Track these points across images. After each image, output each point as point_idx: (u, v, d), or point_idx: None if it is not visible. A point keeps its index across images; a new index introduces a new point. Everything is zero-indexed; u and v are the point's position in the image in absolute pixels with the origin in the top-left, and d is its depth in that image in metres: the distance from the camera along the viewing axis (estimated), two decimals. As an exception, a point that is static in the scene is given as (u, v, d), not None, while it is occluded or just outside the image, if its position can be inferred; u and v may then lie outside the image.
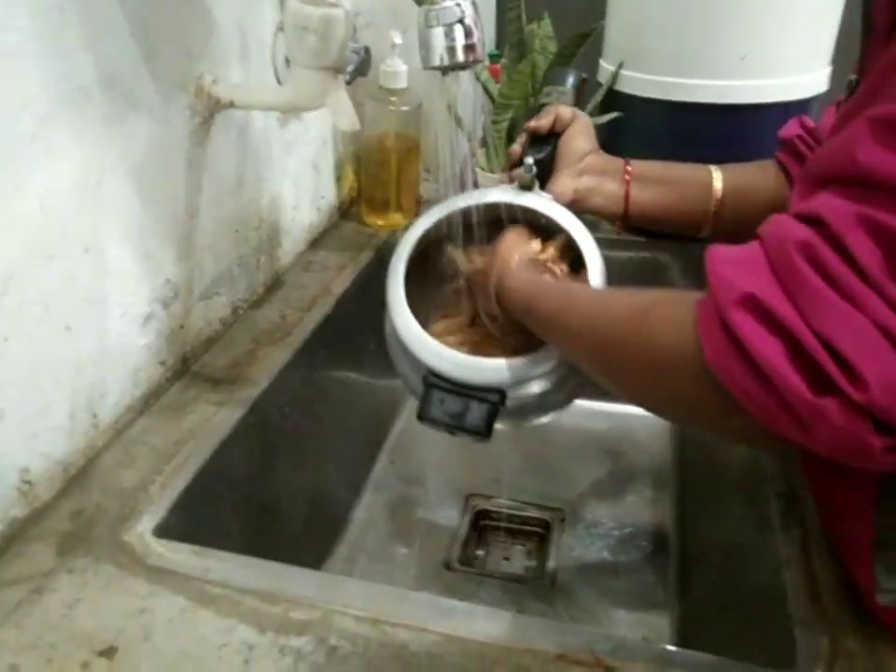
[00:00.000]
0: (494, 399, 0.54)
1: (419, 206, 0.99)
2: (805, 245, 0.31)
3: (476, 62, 0.55)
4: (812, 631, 0.45)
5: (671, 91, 0.85)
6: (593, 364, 0.46)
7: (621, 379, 0.43)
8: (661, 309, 0.39)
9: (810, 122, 0.62)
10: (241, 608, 0.44)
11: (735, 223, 0.64)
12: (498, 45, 1.21)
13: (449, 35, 0.54)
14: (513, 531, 0.83)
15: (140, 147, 0.56)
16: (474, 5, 0.54)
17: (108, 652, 0.41)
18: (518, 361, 0.55)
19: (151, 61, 0.55)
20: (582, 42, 0.82)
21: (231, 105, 0.62)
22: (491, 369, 0.54)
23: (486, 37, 1.12)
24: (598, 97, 0.92)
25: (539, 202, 0.62)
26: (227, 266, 0.71)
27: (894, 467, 0.31)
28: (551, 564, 0.77)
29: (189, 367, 0.66)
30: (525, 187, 0.62)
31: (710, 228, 0.65)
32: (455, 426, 0.54)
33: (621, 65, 0.90)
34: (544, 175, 0.64)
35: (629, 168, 0.66)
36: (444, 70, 0.55)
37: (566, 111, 0.67)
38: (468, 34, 0.54)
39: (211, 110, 0.62)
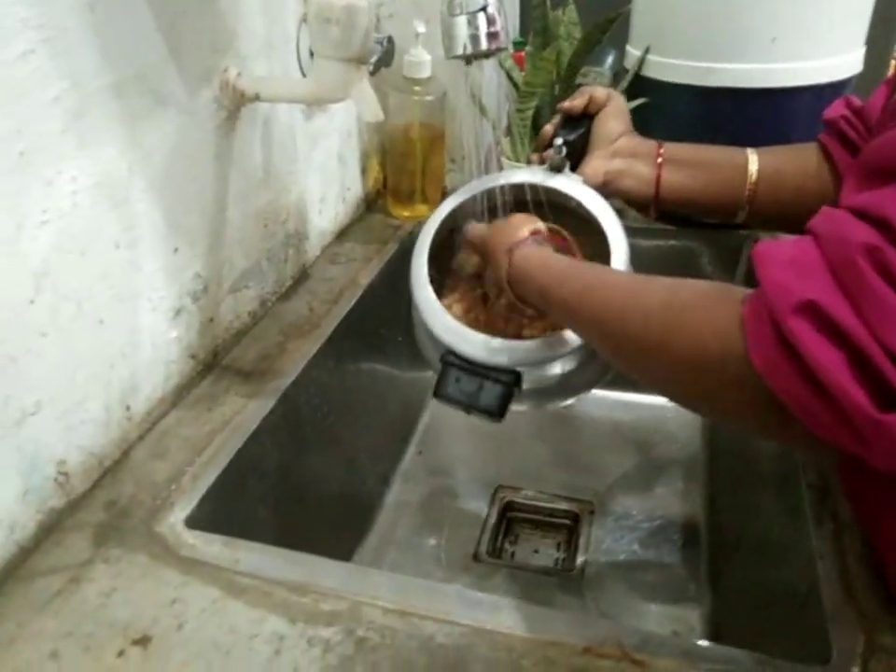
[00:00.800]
0: (508, 380, 0.53)
1: (445, 197, 0.99)
2: (872, 248, 0.29)
3: (500, 49, 0.55)
4: (847, 626, 0.44)
5: (699, 75, 0.83)
6: (620, 357, 0.44)
7: (651, 376, 0.42)
8: (702, 307, 0.37)
9: (856, 102, 0.60)
10: (271, 598, 0.45)
11: (772, 208, 0.62)
12: (523, 32, 1.20)
13: (472, 23, 0.53)
14: (542, 523, 0.83)
15: (168, 141, 0.57)
16: (498, -8, 0.53)
17: (143, 641, 0.42)
18: (535, 343, 0.54)
19: (177, 55, 0.56)
20: (608, 27, 0.81)
21: (257, 98, 0.62)
22: (507, 349, 0.54)
23: (510, 25, 1.11)
24: (625, 83, 0.91)
25: (569, 183, 0.61)
26: (255, 259, 0.72)
27: None
28: (580, 556, 0.77)
29: (219, 360, 0.67)
30: (555, 168, 0.62)
31: (745, 212, 0.64)
32: (469, 404, 0.54)
33: (647, 50, 0.88)
34: (577, 158, 0.64)
35: (661, 151, 0.65)
36: (468, 59, 0.55)
37: (600, 92, 0.66)
38: (491, 21, 0.53)
39: (236, 104, 0.63)
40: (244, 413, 0.61)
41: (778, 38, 0.78)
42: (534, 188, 0.62)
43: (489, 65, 0.58)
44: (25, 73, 0.43)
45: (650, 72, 0.89)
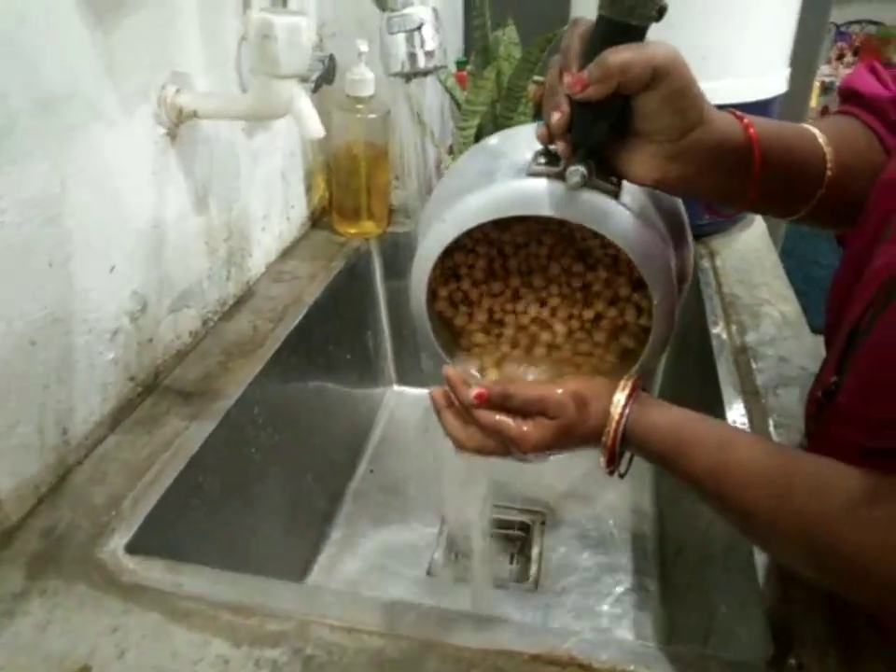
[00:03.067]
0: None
1: (391, 214, 0.99)
2: None
3: (438, 67, 0.56)
4: (784, 620, 0.45)
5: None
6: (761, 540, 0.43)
7: (795, 560, 0.41)
8: (863, 520, 0.36)
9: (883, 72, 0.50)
10: (215, 622, 0.44)
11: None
12: (466, 52, 1.22)
13: (410, 41, 0.54)
14: (495, 535, 0.83)
15: (103, 157, 0.56)
16: (435, 11, 0.54)
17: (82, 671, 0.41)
18: None
19: (112, 71, 0.55)
20: (546, 47, 0.83)
21: (195, 115, 0.62)
22: None
23: (452, 43, 1.13)
24: (565, 101, 0.93)
25: (594, 207, 0.41)
26: (196, 278, 0.71)
27: None
28: (533, 567, 0.78)
29: (159, 381, 0.66)
30: (584, 184, 0.41)
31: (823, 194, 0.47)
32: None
33: (585, 70, 0.91)
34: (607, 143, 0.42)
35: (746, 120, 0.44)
36: (407, 76, 0.56)
37: (655, 55, 0.39)
38: (428, 40, 0.54)
39: (175, 121, 0.62)
40: (185, 434, 0.59)
41: (708, 57, 0.81)
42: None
43: (431, 84, 0.58)
44: (-51, 88, 0.42)
45: (587, 90, 0.92)
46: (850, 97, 0.51)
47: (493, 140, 0.52)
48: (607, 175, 0.42)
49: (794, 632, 0.44)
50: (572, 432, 0.43)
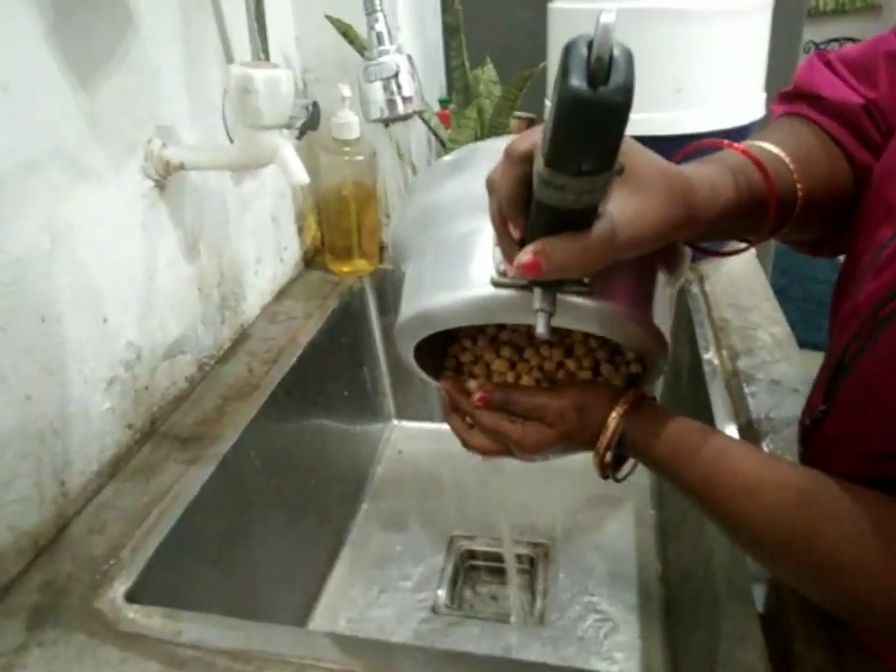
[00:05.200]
0: None
1: (382, 251, 1.01)
2: None
3: (416, 112, 0.58)
4: (784, 652, 0.45)
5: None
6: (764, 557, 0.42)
7: (784, 572, 0.41)
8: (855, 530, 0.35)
9: (867, 90, 0.46)
10: (213, 669, 0.44)
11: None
12: (449, 91, 1.25)
13: (387, 88, 0.56)
14: (499, 570, 0.83)
15: (92, 213, 0.57)
16: (409, 59, 0.56)
17: (80, 725, 0.41)
18: None
19: (97, 129, 0.57)
20: (524, 84, 0.85)
21: (182, 167, 0.63)
22: None
23: (433, 81, 1.15)
24: (547, 134, 0.95)
25: (568, 308, 0.39)
26: (190, 324, 0.72)
27: None
28: (538, 602, 0.77)
29: (156, 428, 0.66)
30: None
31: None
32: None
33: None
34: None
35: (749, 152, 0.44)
36: (386, 122, 0.58)
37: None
38: (405, 86, 0.56)
39: (162, 173, 0.64)
40: (183, 480, 0.60)
41: (682, 88, 0.83)
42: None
43: (413, 125, 0.60)
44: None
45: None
46: (809, 98, 0.48)
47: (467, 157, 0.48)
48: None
49: (795, 661, 0.44)
50: (572, 438, 0.44)
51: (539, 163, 0.32)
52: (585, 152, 0.30)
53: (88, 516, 0.57)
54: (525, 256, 0.34)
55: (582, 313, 0.39)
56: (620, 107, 0.29)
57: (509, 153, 0.34)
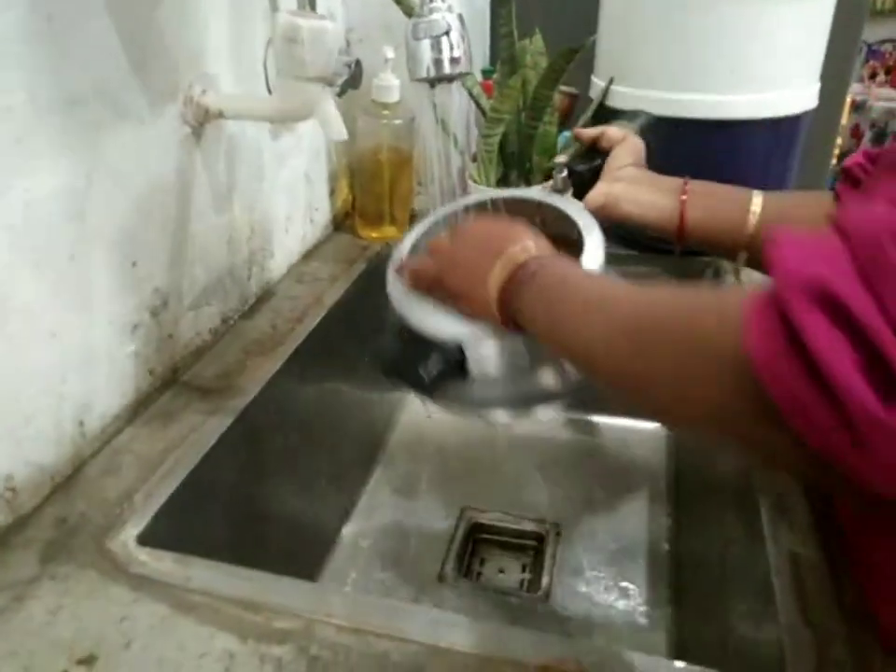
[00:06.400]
0: (452, 354, 0.53)
1: (413, 219, 1.00)
2: None
3: (462, 74, 0.56)
4: (800, 640, 0.44)
5: (661, 106, 0.85)
6: (614, 356, 0.39)
7: (644, 377, 0.37)
8: (711, 294, 0.35)
9: (874, 152, 0.59)
10: (222, 616, 0.44)
11: None
12: (493, 61, 1.22)
13: (436, 47, 0.54)
14: (508, 544, 0.82)
15: (129, 155, 0.56)
16: (461, 18, 0.55)
17: (88, 660, 0.41)
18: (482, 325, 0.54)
19: (140, 70, 0.56)
20: (572, 58, 0.83)
21: (221, 115, 0.62)
22: (452, 321, 0.54)
23: (476, 50, 1.13)
24: (589, 113, 0.93)
25: (564, 201, 0.62)
26: (218, 276, 0.71)
27: None
28: (545, 577, 0.77)
29: (178, 377, 0.66)
30: (557, 190, 0.66)
31: (745, 256, 0.64)
32: (405, 375, 0.53)
33: (611, 81, 0.91)
34: (586, 190, 0.67)
35: (687, 187, 0.66)
36: (432, 82, 0.56)
37: (615, 131, 0.69)
38: (454, 46, 0.54)
39: (200, 120, 0.63)
40: (201, 430, 0.60)
41: (735, 70, 0.80)
42: (523, 204, 0.63)
43: (456, 91, 0.59)
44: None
45: (613, 102, 0.92)
46: None
47: None
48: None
49: (811, 653, 0.43)
50: (491, 240, 0.51)
51: None
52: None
53: (104, 458, 0.57)
54: None
55: None
56: None
57: None
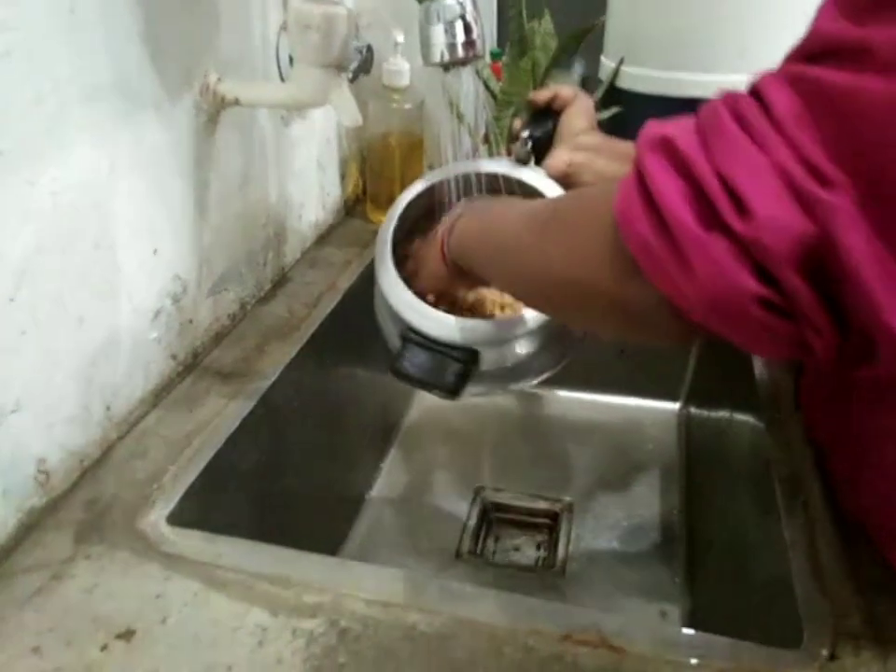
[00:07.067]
0: (466, 358, 0.54)
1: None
2: (732, 97, 0.32)
3: (476, 58, 0.56)
4: (817, 613, 0.45)
5: (672, 86, 0.86)
6: (524, 252, 0.44)
7: (542, 265, 0.42)
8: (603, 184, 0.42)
9: None
10: (253, 591, 0.45)
11: None
12: (500, 43, 1.22)
13: (449, 31, 0.55)
14: (523, 523, 0.84)
15: (149, 144, 0.57)
16: (474, 1, 0.55)
17: (126, 635, 0.42)
18: (494, 323, 0.56)
19: (157, 60, 0.57)
20: (582, 38, 0.83)
21: (236, 102, 0.63)
22: (466, 328, 0.55)
23: (487, 35, 1.13)
24: (600, 93, 0.93)
25: (531, 174, 0.63)
26: (235, 262, 0.72)
27: (769, 333, 0.30)
28: (560, 554, 0.78)
29: (199, 361, 0.67)
30: (521, 160, 0.65)
31: None
32: (426, 381, 0.54)
33: (621, 61, 0.91)
34: (543, 153, 0.66)
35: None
36: (445, 66, 0.56)
37: (567, 90, 0.68)
38: (468, 30, 0.55)
39: (216, 108, 0.63)
40: (224, 413, 0.61)
41: (747, 50, 0.80)
42: (497, 178, 0.63)
43: (467, 74, 0.59)
44: (4, 74, 0.44)
45: (623, 82, 0.92)
46: None
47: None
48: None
49: (828, 624, 0.44)
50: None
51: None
52: None
53: (131, 441, 0.58)
54: None
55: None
56: None
57: None
